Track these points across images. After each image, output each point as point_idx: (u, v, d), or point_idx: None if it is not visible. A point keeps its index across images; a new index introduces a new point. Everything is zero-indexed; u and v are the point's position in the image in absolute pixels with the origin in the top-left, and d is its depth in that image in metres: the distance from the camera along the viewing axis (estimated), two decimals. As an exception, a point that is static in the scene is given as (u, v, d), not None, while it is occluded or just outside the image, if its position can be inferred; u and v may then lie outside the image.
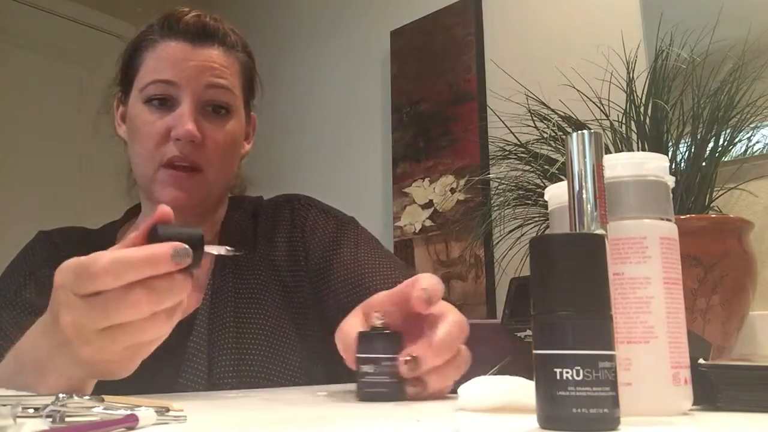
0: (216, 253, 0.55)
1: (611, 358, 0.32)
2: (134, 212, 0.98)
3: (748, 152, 1.38)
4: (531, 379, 0.34)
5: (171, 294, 0.48)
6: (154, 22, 0.89)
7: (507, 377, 0.43)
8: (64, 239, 0.91)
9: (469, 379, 0.44)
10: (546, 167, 1.29)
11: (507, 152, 1.41)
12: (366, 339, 0.52)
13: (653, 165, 0.42)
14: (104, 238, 0.91)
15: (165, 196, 0.83)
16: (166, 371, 0.75)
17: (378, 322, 0.53)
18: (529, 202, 1.36)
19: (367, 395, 0.51)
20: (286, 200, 0.99)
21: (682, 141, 1.24)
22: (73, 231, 0.94)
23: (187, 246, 0.47)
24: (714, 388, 0.41)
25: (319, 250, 0.91)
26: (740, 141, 1.30)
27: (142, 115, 0.84)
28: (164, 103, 0.84)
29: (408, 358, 0.50)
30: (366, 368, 0.51)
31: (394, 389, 0.50)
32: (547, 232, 0.62)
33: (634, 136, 1.27)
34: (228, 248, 0.55)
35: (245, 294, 0.86)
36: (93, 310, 0.47)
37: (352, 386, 0.65)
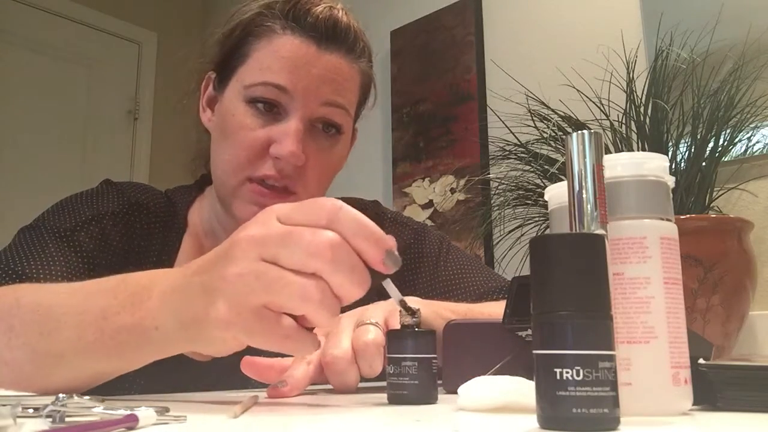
0: (390, 292, 0.48)
1: (611, 358, 0.32)
2: (204, 184, 0.85)
3: (748, 152, 1.38)
4: (531, 379, 0.34)
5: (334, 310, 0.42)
6: (276, 3, 0.74)
7: (507, 377, 0.43)
8: (137, 200, 0.78)
9: (469, 379, 0.44)
10: (546, 167, 1.29)
11: (507, 152, 1.41)
12: (391, 338, 0.50)
13: (653, 165, 0.42)
14: (175, 216, 0.81)
15: (245, 214, 0.71)
16: (235, 379, 0.73)
17: (408, 321, 0.50)
18: (529, 202, 1.37)
19: (390, 397, 0.49)
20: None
21: (682, 141, 1.24)
22: (145, 193, 0.81)
23: (396, 255, 0.44)
24: (714, 388, 0.41)
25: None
26: (740, 141, 1.30)
27: (241, 118, 0.72)
28: (270, 109, 0.72)
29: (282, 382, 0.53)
30: (389, 369, 0.49)
31: (416, 391, 0.48)
32: (547, 232, 0.62)
33: (634, 136, 1.27)
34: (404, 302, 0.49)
35: None
36: (266, 280, 0.41)
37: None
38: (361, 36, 0.77)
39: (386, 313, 0.60)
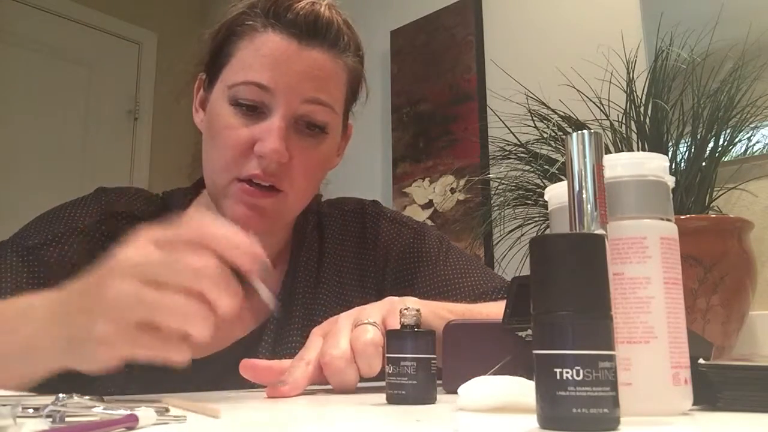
0: (262, 294, 0.50)
1: (611, 358, 0.32)
2: (201, 187, 0.85)
3: (748, 152, 1.38)
4: (531, 379, 0.34)
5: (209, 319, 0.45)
6: (258, 1, 0.74)
7: (507, 377, 0.43)
8: (123, 209, 0.78)
9: (469, 379, 0.44)
10: (546, 167, 1.29)
11: (507, 152, 1.41)
12: (390, 338, 0.50)
13: (653, 165, 0.42)
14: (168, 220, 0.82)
15: (234, 213, 0.72)
16: (232, 380, 0.74)
17: (408, 321, 0.50)
18: (529, 202, 1.37)
19: (389, 397, 0.49)
20: (354, 210, 0.91)
21: (682, 141, 1.24)
22: (135, 200, 0.81)
23: (268, 263, 0.47)
24: (714, 388, 0.41)
25: (397, 267, 0.86)
26: (740, 141, 1.30)
27: (226, 118, 0.73)
28: (254, 109, 0.72)
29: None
30: (388, 369, 0.49)
31: (414, 391, 0.48)
32: (547, 232, 0.62)
33: (634, 136, 1.27)
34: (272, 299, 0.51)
35: (312, 317, 0.80)
36: (148, 302, 0.44)
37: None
38: (346, 30, 0.76)
39: (384, 312, 0.60)
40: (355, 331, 0.57)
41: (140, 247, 0.46)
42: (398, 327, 0.52)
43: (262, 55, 0.71)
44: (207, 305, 0.44)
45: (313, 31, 0.72)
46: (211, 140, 0.75)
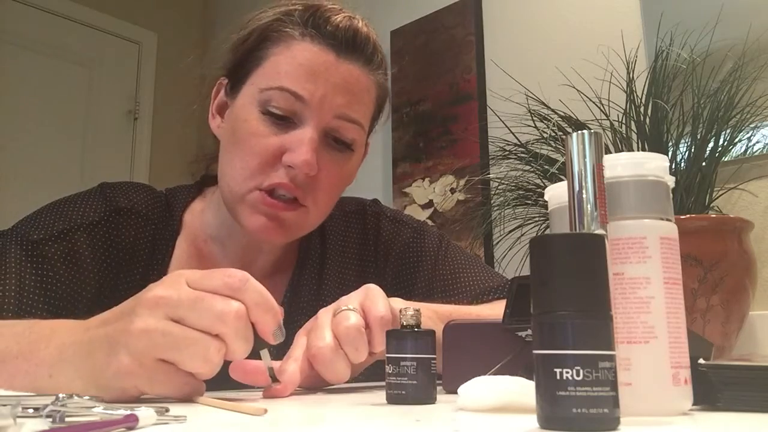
0: (265, 362, 0.53)
1: (611, 358, 0.32)
2: (204, 186, 0.84)
3: (748, 152, 1.38)
4: (531, 379, 0.34)
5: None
6: (295, 10, 0.73)
7: (507, 377, 0.43)
8: (125, 205, 0.77)
9: (469, 379, 0.44)
10: (546, 167, 1.29)
11: (507, 152, 1.41)
12: (390, 338, 0.50)
13: (653, 165, 0.42)
14: (169, 219, 0.80)
15: (253, 223, 0.72)
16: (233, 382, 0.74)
17: (408, 321, 0.50)
18: (529, 202, 1.36)
19: (389, 397, 0.49)
20: (355, 211, 0.92)
21: (682, 141, 1.24)
22: (137, 195, 0.79)
23: (283, 329, 0.51)
24: (714, 388, 0.41)
25: (397, 266, 0.87)
26: (740, 141, 1.30)
27: (254, 124, 0.71)
28: (283, 119, 0.71)
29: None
30: (388, 369, 0.49)
31: (414, 391, 0.48)
32: (547, 232, 0.62)
33: (634, 136, 1.27)
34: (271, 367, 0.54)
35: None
36: (172, 338, 0.46)
37: (351, 386, 0.65)
38: (379, 48, 0.77)
39: (361, 298, 0.59)
40: (335, 319, 0.57)
41: (173, 285, 0.48)
42: (378, 309, 0.53)
43: (299, 64, 0.70)
44: (223, 349, 0.47)
45: (351, 44, 0.72)
46: (233, 146, 0.73)
